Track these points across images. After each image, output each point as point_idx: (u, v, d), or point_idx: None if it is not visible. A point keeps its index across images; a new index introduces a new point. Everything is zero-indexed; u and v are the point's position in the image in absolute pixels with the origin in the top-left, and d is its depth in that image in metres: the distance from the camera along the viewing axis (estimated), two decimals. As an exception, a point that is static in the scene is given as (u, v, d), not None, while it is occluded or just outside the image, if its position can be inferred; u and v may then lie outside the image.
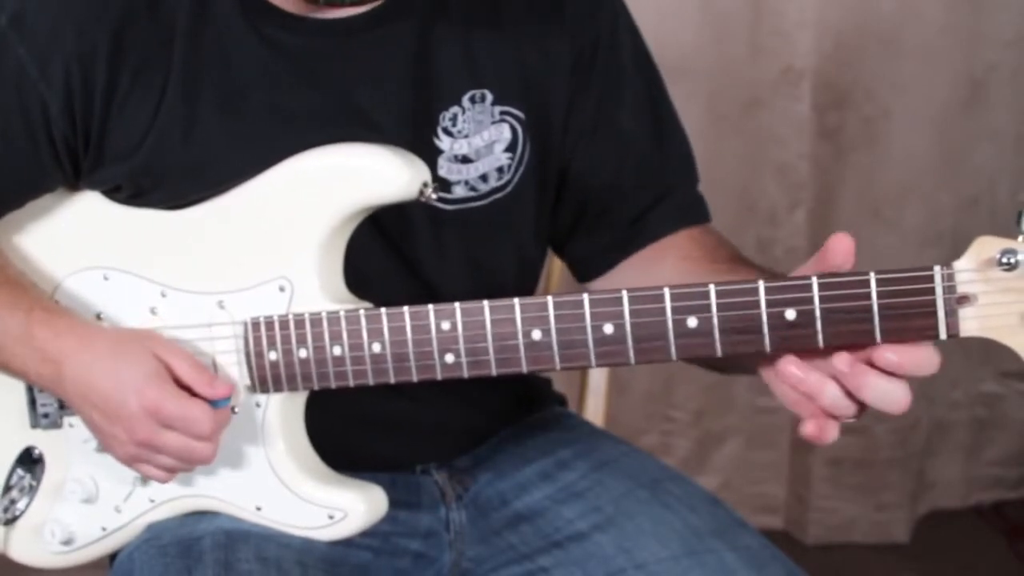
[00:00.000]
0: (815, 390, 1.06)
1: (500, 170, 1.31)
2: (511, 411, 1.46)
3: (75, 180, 1.28)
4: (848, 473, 2.59)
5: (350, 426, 1.31)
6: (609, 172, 1.36)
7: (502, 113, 1.30)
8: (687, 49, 2.35)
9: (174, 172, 1.24)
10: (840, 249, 1.07)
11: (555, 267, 1.69)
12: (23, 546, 1.34)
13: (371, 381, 1.19)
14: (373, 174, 1.20)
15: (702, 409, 2.60)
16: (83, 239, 1.29)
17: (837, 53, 2.39)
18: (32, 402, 1.32)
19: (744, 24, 2.38)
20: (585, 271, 1.40)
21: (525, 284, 1.41)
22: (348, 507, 1.25)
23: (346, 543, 1.27)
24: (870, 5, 2.36)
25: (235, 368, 1.23)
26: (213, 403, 1.19)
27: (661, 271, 1.32)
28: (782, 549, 1.29)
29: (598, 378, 1.66)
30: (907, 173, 2.44)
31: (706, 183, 1.43)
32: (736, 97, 2.42)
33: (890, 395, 1.05)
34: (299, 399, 1.26)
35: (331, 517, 1.25)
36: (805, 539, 2.62)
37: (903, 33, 2.36)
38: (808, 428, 1.08)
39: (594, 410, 1.66)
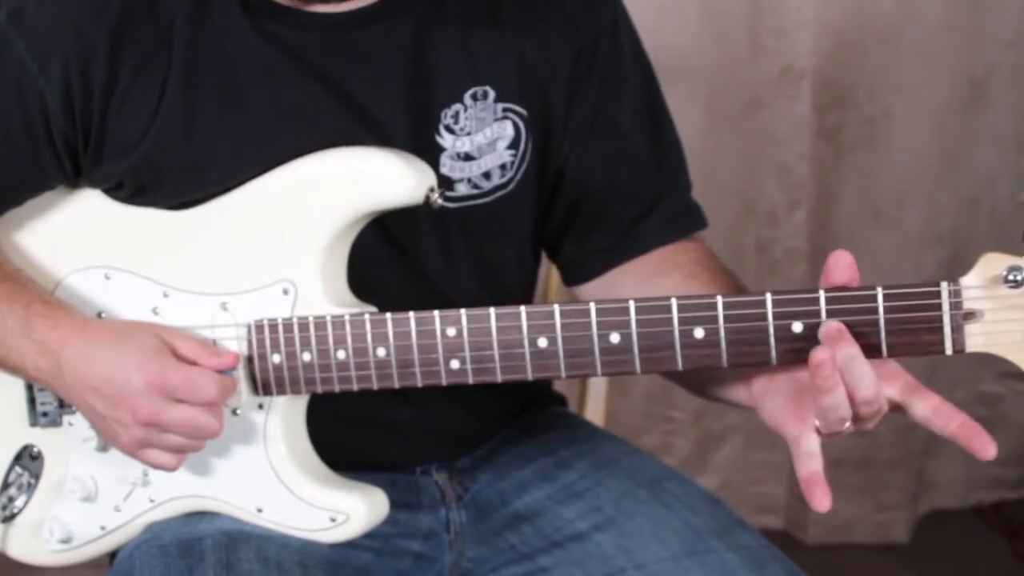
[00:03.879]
0: (829, 384, 1.06)
1: (503, 167, 1.31)
2: (511, 412, 1.46)
3: (75, 178, 1.28)
4: (848, 473, 2.59)
5: (350, 427, 1.31)
6: (605, 172, 1.35)
7: (505, 110, 1.30)
8: (687, 49, 2.35)
9: (175, 169, 1.24)
10: (842, 265, 1.07)
11: (554, 273, 1.69)
12: (22, 544, 1.34)
13: (375, 386, 1.19)
14: (379, 179, 1.20)
15: (702, 409, 2.60)
16: (85, 238, 1.29)
17: (837, 53, 2.38)
18: (31, 400, 1.31)
19: (744, 24, 2.38)
20: (573, 274, 1.40)
21: (525, 281, 1.41)
22: (350, 510, 1.25)
23: (347, 544, 1.28)
24: (870, 5, 2.36)
25: (238, 370, 1.23)
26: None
27: (661, 291, 1.31)
28: (782, 549, 1.29)
29: (598, 379, 1.66)
30: (907, 173, 2.44)
31: (706, 183, 1.42)
32: (736, 97, 2.42)
33: (864, 379, 1.06)
34: (301, 402, 1.26)
35: (333, 519, 1.25)
36: (805, 539, 2.62)
37: (903, 33, 2.36)
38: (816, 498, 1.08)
39: (594, 410, 1.66)
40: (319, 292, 1.21)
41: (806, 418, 1.10)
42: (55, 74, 1.21)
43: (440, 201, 1.23)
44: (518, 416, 1.46)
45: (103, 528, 1.31)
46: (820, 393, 1.07)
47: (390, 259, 1.30)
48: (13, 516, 1.33)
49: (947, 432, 1.06)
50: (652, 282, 1.32)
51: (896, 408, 1.10)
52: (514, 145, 1.31)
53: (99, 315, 1.27)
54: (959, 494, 2.71)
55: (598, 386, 1.66)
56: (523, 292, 1.41)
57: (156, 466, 1.23)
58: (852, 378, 1.06)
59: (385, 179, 1.20)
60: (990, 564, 2.54)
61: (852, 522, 2.61)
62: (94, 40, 1.21)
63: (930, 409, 1.08)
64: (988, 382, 2.63)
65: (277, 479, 1.25)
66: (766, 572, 1.24)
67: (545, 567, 1.32)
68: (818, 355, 1.06)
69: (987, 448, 1.05)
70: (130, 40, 1.22)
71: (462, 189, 1.30)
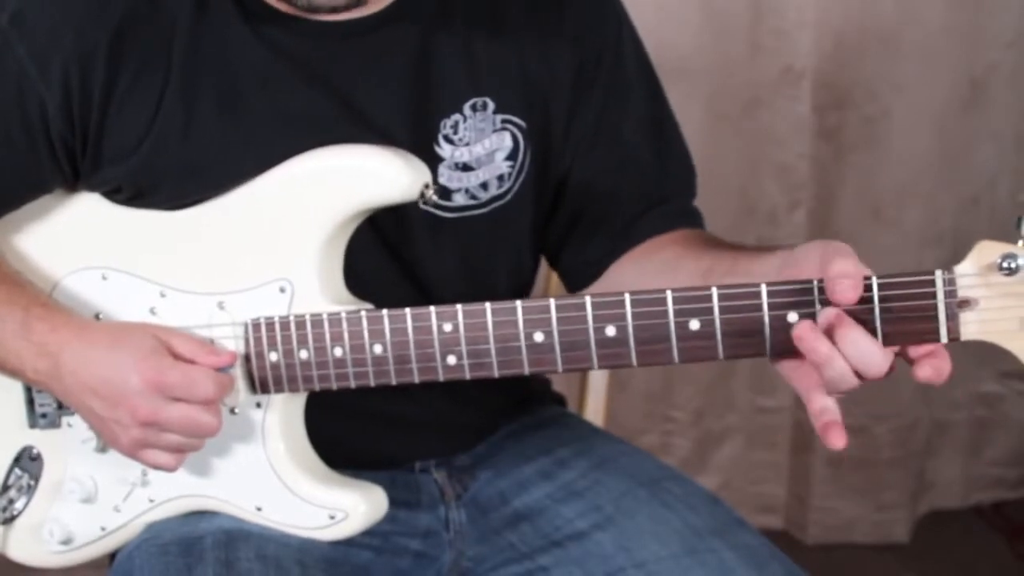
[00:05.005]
0: (823, 359, 1.06)
1: (500, 178, 1.31)
2: (510, 410, 1.46)
3: (74, 181, 1.28)
4: (848, 473, 2.59)
5: (349, 424, 1.31)
6: (608, 182, 1.36)
7: (503, 122, 1.30)
8: (687, 49, 2.35)
9: (173, 173, 1.24)
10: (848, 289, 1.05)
11: (554, 274, 1.68)
12: (22, 545, 1.34)
13: (372, 382, 1.19)
14: (374, 175, 1.20)
15: (702, 409, 2.60)
16: (82, 239, 1.29)
17: (837, 53, 2.38)
18: (30, 402, 1.31)
19: (744, 24, 2.38)
20: (576, 281, 1.41)
21: (517, 293, 1.41)
22: (349, 507, 1.25)
23: (346, 542, 1.28)
24: (870, 5, 2.36)
25: (235, 369, 1.23)
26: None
27: (654, 262, 1.32)
28: (782, 549, 1.29)
29: (598, 378, 1.66)
30: (907, 173, 2.44)
31: (706, 183, 1.42)
32: (736, 97, 2.42)
33: (871, 356, 1.05)
34: (299, 399, 1.26)
35: (332, 517, 1.25)
36: (805, 539, 2.62)
37: (903, 33, 2.36)
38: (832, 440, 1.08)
39: (594, 410, 1.66)
40: (315, 290, 1.21)
41: (814, 379, 1.09)
42: (55, 77, 1.21)
43: (435, 198, 1.23)
44: (516, 410, 1.47)
45: (103, 529, 1.31)
46: (818, 367, 1.06)
47: (384, 264, 1.31)
48: (13, 518, 1.33)
49: (914, 361, 1.07)
50: (647, 260, 1.33)
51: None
52: (512, 156, 1.31)
53: (96, 316, 1.27)
54: (959, 494, 2.71)
55: (598, 386, 1.66)
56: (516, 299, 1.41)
57: (156, 467, 1.23)
58: (856, 357, 1.05)
59: (381, 175, 1.20)
60: (990, 564, 2.54)
61: (852, 522, 2.61)
62: (94, 42, 1.21)
63: (921, 351, 1.07)
64: (988, 382, 2.63)
65: (276, 477, 1.25)
66: (765, 571, 1.24)
67: (545, 566, 1.32)
68: (797, 330, 1.06)
69: (942, 373, 1.05)
70: (130, 43, 1.21)
71: (459, 199, 1.30)
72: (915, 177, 2.44)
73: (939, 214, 2.47)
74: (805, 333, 1.05)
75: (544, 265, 1.47)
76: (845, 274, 1.05)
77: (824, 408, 1.09)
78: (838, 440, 1.07)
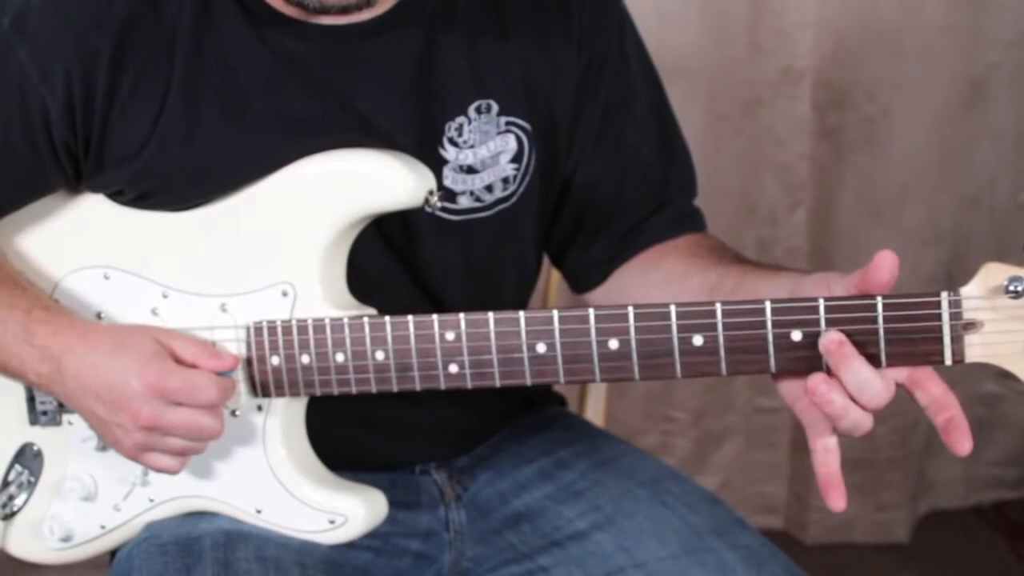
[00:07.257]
0: (839, 412, 1.06)
1: (505, 181, 1.31)
2: (510, 411, 1.46)
3: (76, 183, 1.28)
4: (848, 473, 2.55)
5: (349, 426, 1.31)
6: (612, 184, 1.36)
7: (508, 124, 1.30)
8: (687, 49, 2.35)
9: (175, 177, 1.24)
10: (887, 264, 1.05)
11: (554, 277, 1.69)
12: (22, 541, 1.34)
13: (374, 389, 1.19)
14: (379, 180, 1.20)
15: (702, 409, 2.60)
16: (85, 238, 1.29)
17: (837, 53, 2.38)
18: (31, 399, 1.32)
19: (744, 24, 2.38)
20: (580, 283, 1.41)
21: (522, 294, 1.41)
22: (348, 512, 1.25)
23: (346, 544, 1.28)
24: (870, 5, 2.36)
25: (237, 372, 1.22)
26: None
27: (661, 271, 1.32)
28: (782, 549, 1.29)
29: (598, 380, 1.66)
30: (907, 173, 2.44)
31: (706, 183, 1.43)
32: (736, 97, 2.42)
33: (869, 385, 1.05)
34: (301, 403, 1.26)
35: (332, 522, 1.25)
36: (805, 539, 2.62)
37: (903, 33, 2.36)
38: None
39: (594, 410, 1.66)
40: (318, 294, 1.21)
41: (819, 415, 1.09)
42: (57, 82, 1.21)
43: (439, 204, 1.23)
44: (517, 416, 1.46)
45: (103, 527, 1.31)
46: (833, 420, 1.07)
47: (389, 265, 1.30)
48: (13, 514, 1.33)
49: (935, 423, 1.06)
50: (652, 268, 1.33)
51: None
52: (517, 159, 1.31)
53: (98, 315, 1.27)
54: (959, 494, 2.71)
55: (598, 386, 1.66)
56: (520, 303, 1.41)
57: (159, 470, 1.23)
58: (855, 386, 1.05)
59: (385, 181, 1.20)
60: (990, 564, 2.54)
61: (852, 522, 2.61)
62: (97, 46, 1.20)
63: (928, 399, 1.07)
64: (988, 382, 2.63)
65: (276, 481, 1.25)
66: (765, 570, 1.24)
67: (545, 566, 1.32)
68: (811, 382, 1.06)
69: (960, 444, 1.05)
70: (133, 47, 1.21)
71: (464, 202, 1.30)
72: (915, 177, 2.44)
73: (939, 214, 2.47)
74: (819, 386, 1.06)
75: (544, 266, 1.47)
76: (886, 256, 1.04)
77: (827, 449, 1.10)
78: (839, 502, 1.09)
